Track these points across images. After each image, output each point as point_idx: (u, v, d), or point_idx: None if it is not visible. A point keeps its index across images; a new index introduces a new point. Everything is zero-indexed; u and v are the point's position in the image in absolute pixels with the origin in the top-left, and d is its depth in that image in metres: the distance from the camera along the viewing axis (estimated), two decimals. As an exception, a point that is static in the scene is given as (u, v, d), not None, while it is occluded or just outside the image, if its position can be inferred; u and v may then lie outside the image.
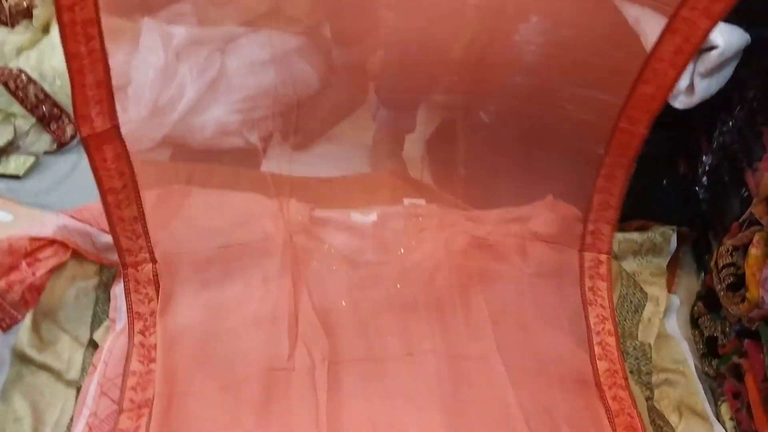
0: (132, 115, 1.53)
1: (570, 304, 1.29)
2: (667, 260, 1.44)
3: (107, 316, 1.18)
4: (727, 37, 1.23)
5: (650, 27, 1.10)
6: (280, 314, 1.20)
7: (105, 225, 1.31)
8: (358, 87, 1.66)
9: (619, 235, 1.43)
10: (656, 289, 1.37)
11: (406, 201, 1.48)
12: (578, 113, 1.32)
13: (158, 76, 1.54)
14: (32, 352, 1.09)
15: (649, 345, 1.25)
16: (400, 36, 1.52)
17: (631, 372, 1.20)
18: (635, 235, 1.43)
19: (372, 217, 1.42)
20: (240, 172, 1.56)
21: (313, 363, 1.13)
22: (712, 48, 1.23)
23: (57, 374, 1.07)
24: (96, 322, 1.18)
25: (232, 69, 1.60)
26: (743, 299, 1.13)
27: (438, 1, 1.30)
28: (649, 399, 1.17)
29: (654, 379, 1.21)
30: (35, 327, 1.13)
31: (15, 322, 1.13)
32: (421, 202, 1.49)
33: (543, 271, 1.34)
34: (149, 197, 1.38)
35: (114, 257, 1.28)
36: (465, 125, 1.51)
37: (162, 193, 1.40)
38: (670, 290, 1.39)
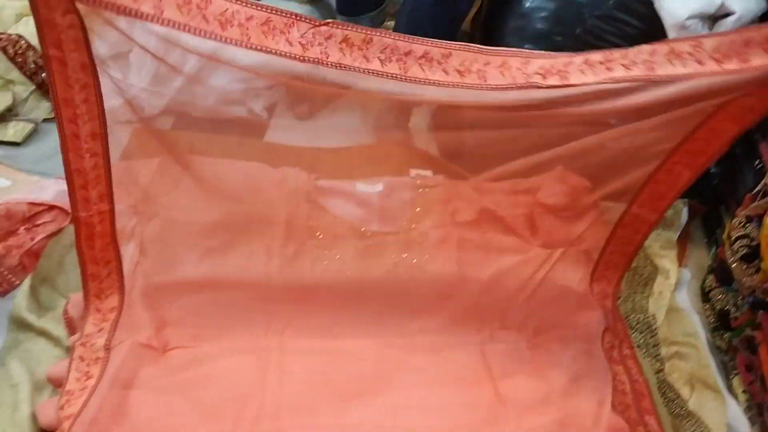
0: (133, 83, 1.49)
1: (579, 278, 1.26)
2: (678, 233, 1.41)
3: (107, 283, 1.16)
4: (743, 4, 1.20)
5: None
6: (280, 284, 1.17)
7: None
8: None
9: (630, 207, 1.40)
10: (666, 263, 1.35)
11: (413, 172, 1.45)
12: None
13: (160, 43, 1.51)
14: (30, 318, 1.06)
15: (653, 316, 1.23)
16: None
17: (638, 346, 1.17)
18: (646, 208, 1.40)
19: (378, 187, 1.39)
20: (243, 142, 1.53)
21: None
22: (729, 14, 1.20)
23: (55, 340, 1.05)
24: (95, 288, 1.15)
25: (236, 37, 1.57)
26: (757, 270, 1.10)
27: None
28: (659, 372, 1.15)
29: (664, 352, 1.19)
30: (33, 292, 1.10)
31: (12, 287, 1.11)
32: (428, 173, 1.46)
33: (551, 243, 1.31)
34: (150, 166, 1.36)
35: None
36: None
37: (164, 162, 1.38)
38: (680, 264, 1.37)
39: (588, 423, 1.04)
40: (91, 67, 0.94)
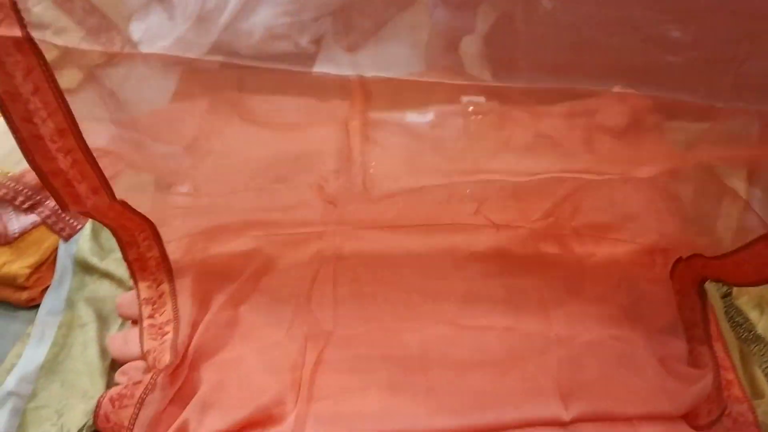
0: (179, 22, 1.48)
1: (641, 201, 1.22)
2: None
3: (166, 225, 1.18)
4: None
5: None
6: (332, 219, 1.17)
7: (157, 135, 1.30)
8: (413, -18, 1.56)
9: (695, 125, 1.33)
10: (735, 181, 1.27)
11: (464, 99, 1.41)
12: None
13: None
14: (94, 260, 1.10)
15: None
16: None
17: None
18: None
19: (429, 116, 1.36)
20: (291, 77, 1.51)
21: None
22: None
23: (119, 281, 1.08)
24: (155, 230, 1.18)
25: (279, -32, 1.53)
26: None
27: None
28: (726, 296, 1.11)
29: (733, 274, 1.13)
30: (95, 236, 1.13)
31: (75, 231, 1.14)
32: (480, 99, 1.41)
33: (610, 167, 1.26)
34: (200, 107, 1.36)
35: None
36: (525, 15, 1.41)
37: (213, 102, 1.38)
38: (750, 182, 1.29)
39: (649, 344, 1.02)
40: (28, 43, 0.72)
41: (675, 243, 1.15)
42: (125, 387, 0.87)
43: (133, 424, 0.84)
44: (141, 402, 0.85)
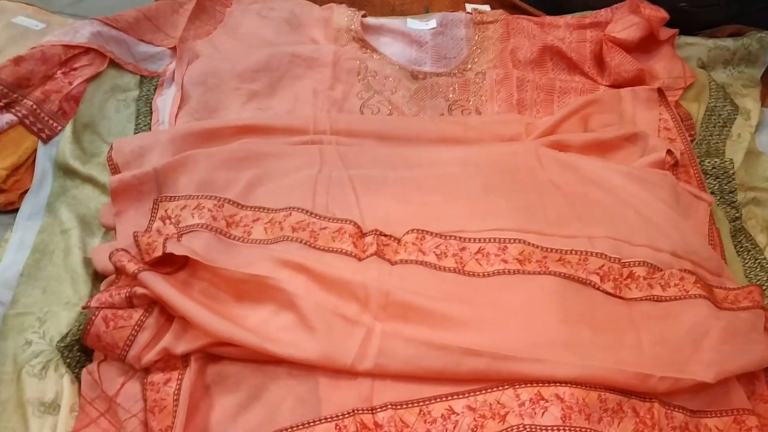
0: None
1: (648, 121, 1.16)
2: (762, 70, 1.28)
3: (149, 129, 1.11)
4: None
5: None
6: (327, 129, 1.10)
7: (142, 33, 1.22)
8: None
9: (710, 42, 1.27)
10: (748, 102, 1.23)
11: (469, 6, 1.34)
12: None
13: None
14: (76, 164, 1.03)
15: (731, 161, 1.13)
16: None
17: (713, 193, 1.09)
18: (728, 42, 1.27)
19: (431, 24, 1.29)
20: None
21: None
22: None
23: (102, 187, 1.02)
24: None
25: None
26: None
27: None
28: (735, 219, 1.07)
29: (741, 198, 1.10)
30: (76, 139, 1.07)
31: (55, 133, 1.07)
32: (485, 7, 1.34)
33: (621, 82, 1.20)
34: (188, 5, 1.28)
35: (153, 67, 1.20)
36: None
37: (204, 3, 1.29)
38: (763, 104, 1.25)
39: None
40: None
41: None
42: (118, 303, 0.82)
43: (129, 347, 0.81)
44: (139, 325, 0.82)
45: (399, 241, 0.90)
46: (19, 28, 1.23)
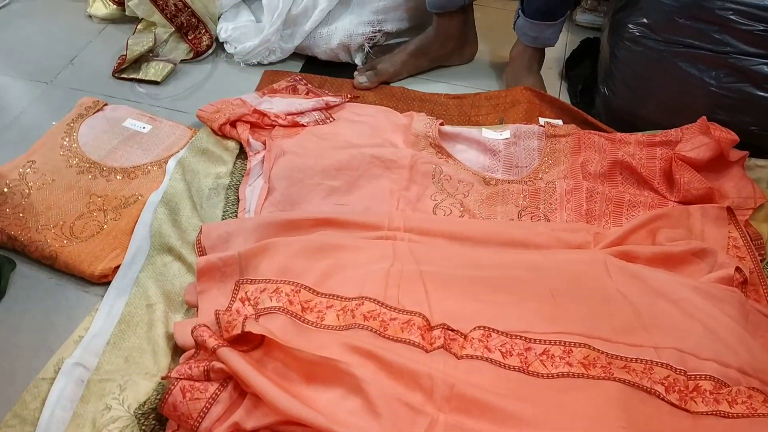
0: (266, 25, 1.52)
1: (717, 238, 1.17)
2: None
3: (236, 216, 1.19)
4: None
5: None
6: (401, 227, 1.16)
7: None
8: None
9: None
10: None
11: (542, 120, 1.40)
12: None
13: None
14: (171, 241, 1.11)
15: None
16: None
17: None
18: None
19: (505, 134, 1.35)
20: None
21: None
22: None
23: (188, 266, 1.09)
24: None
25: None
26: None
27: None
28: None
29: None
30: (173, 213, 1.16)
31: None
32: (558, 122, 1.41)
33: (690, 199, 1.23)
34: (279, 104, 1.39)
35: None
36: (611, 39, 1.40)
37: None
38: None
39: None
40: None
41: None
42: (197, 376, 0.87)
43: (202, 418, 0.85)
44: (214, 398, 0.86)
45: (466, 336, 0.92)
46: (129, 130, 1.38)
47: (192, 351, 0.94)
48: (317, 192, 1.22)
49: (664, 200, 1.24)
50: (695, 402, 0.87)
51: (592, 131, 1.35)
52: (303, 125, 1.36)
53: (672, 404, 0.86)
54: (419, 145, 1.32)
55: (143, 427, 0.88)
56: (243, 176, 1.26)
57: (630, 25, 1.33)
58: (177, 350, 0.99)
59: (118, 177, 1.25)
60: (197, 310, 1.01)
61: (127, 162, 1.29)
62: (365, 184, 1.25)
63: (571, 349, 0.91)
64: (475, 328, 0.93)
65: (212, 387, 0.86)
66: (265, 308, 0.96)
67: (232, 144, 1.32)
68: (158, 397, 0.89)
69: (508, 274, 1.04)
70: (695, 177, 1.22)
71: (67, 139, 1.32)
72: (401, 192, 1.23)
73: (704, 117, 1.28)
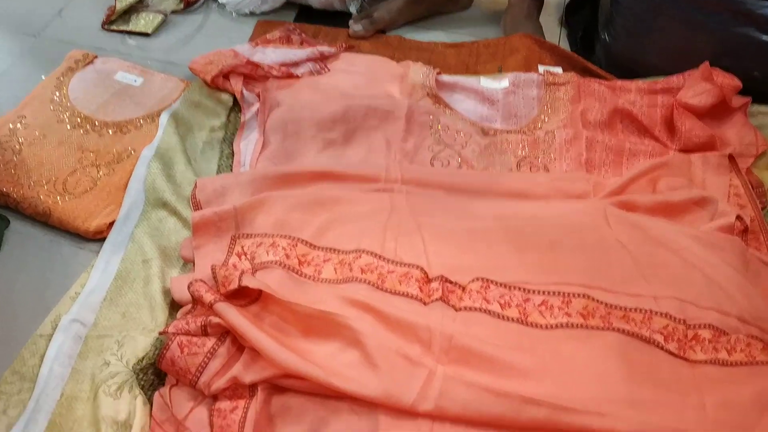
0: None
1: (718, 186, 1.16)
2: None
3: (231, 170, 1.18)
4: None
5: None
6: (398, 179, 1.14)
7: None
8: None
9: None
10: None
11: (541, 68, 1.37)
12: None
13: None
14: (166, 195, 1.09)
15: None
16: None
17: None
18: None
19: (503, 83, 1.33)
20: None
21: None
22: None
23: (184, 221, 1.08)
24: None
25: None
26: None
27: None
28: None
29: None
30: (167, 167, 1.15)
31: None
32: (558, 69, 1.38)
33: (691, 147, 1.21)
34: (273, 55, 1.36)
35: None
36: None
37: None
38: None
39: None
40: None
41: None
42: (194, 331, 0.87)
43: (201, 373, 0.85)
44: (212, 353, 0.86)
45: (464, 288, 0.92)
46: (121, 84, 1.34)
47: (189, 306, 0.94)
48: (313, 145, 1.20)
49: (665, 148, 1.23)
50: (694, 351, 0.87)
51: (592, 78, 1.33)
52: (297, 76, 1.33)
53: (671, 353, 0.86)
54: (416, 96, 1.30)
55: (142, 382, 0.88)
56: (237, 129, 1.24)
57: (632, -32, 1.30)
58: (174, 305, 0.99)
59: (110, 131, 1.23)
60: (194, 265, 1.01)
61: (119, 116, 1.27)
62: (361, 136, 1.23)
63: (570, 300, 0.90)
64: (473, 280, 0.92)
65: (210, 342, 0.86)
66: (261, 262, 0.95)
67: (225, 96, 1.29)
68: (156, 352, 0.89)
69: (507, 225, 1.03)
70: (697, 124, 1.20)
71: (57, 94, 1.29)
72: (398, 143, 1.21)
73: (707, 62, 1.25)
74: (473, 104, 1.32)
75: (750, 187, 1.15)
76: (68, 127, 1.23)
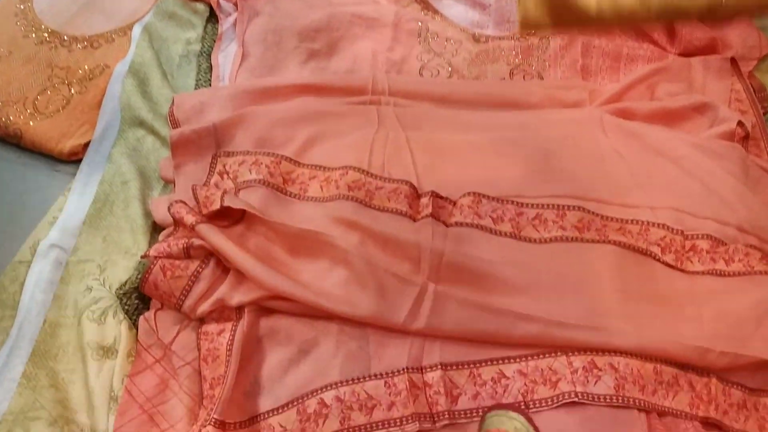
0: None
1: (718, 91, 1.12)
2: None
3: (209, 85, 1.12)
4: None
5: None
6: (385, 90, 1.09)
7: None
8: None
9: (790, 11, 1.21)
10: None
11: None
12: None
13: None
14: (143, 114, 1.05)
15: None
16: None
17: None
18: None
19: (494, -12, 1.26)
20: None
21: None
22: None
23: (162, 140, 1.03)
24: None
25: None
26: None
27: None
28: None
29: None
30: (142, 85, 1.09)
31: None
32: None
33: (691, 50, 1.16)
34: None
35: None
36: None
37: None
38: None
39: None
40: None
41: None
42: (176, 254, 0.84)
43: (185, 296, 0.83)
44: (196, 276, 0.83)
45: (455, 203, 0.89)
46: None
47: (171, 228, 0.91)
48: (295, 56, 1.14)
49: (664, 52, 1.17)
50: (691, 262, 0.85)
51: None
52: (276, -18, 1.25)
53: (668, 265, 0.84)
54: (403, 1, 1.23)
55: (126, 307, 0.86)
56: (215, 41, 1.18)
57: None
58: (156, 228, 0.96)
59: (80, 46, 1.16)
60: (174, 186, 0.97)
61: (88, 30, 1.19)
62: (346, 46, 1.17)
63: (564, 213, 0.87)
64: (464, 195, 0.89)
65: (193, 264, 0.83)
66: (244, 181, 0.92)
67: (201, 6, 1.22)
68: (139, 276, 0.87)
69: (499, 136, 0.99)
70: (697, 27, 1.15)
71: (21, 6, 1.21)
72: (385, 53, 1.16)
73: (710, -40, 1.18)
74: (463, 9, 1.25)
75: (752, 91, 1.10)
76: (35, 42, 1.17)
